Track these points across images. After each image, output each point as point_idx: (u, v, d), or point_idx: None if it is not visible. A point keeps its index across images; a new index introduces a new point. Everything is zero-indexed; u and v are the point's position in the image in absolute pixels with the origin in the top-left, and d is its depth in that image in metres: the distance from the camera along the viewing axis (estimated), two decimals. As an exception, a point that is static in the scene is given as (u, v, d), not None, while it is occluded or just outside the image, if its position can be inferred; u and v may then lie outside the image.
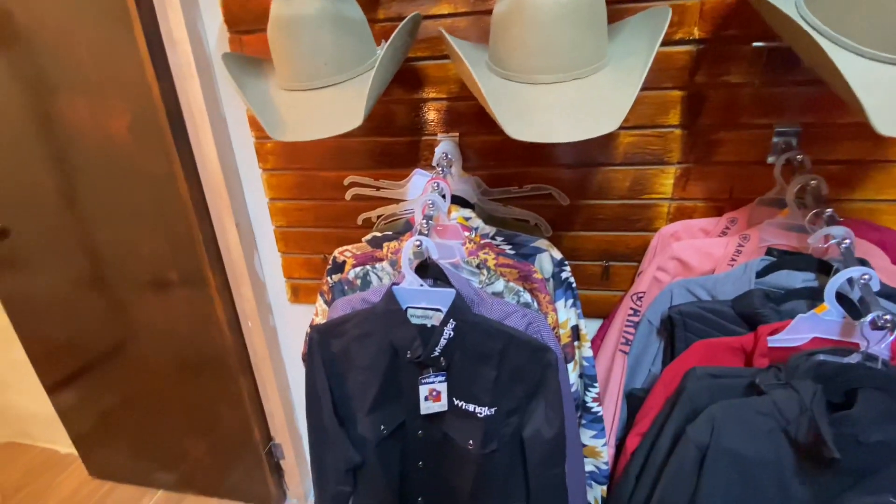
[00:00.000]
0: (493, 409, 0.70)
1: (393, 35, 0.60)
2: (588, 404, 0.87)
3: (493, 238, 0.85)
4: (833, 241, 0.66)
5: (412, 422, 0.76)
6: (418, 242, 0.63)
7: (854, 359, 0.62)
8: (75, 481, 1.58)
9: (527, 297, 0.73)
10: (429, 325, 0.70)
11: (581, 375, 0.88)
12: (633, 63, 0.51)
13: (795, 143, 0.81)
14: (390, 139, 0.93)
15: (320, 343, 0.74)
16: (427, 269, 0.71)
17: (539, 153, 0.89)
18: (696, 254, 0.82)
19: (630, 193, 0.89)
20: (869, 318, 0.58)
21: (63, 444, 1.62)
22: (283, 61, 0.62)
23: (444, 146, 0.86)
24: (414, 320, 0.70)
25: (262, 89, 0.66)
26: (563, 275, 0.83)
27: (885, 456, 0.57)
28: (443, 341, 0.67)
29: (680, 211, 0.89)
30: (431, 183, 0.75)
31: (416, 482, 0.80)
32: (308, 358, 0.75)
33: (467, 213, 0.85)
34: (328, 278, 0.87)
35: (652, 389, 0.83)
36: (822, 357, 0.64)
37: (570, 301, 0.84)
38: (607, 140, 0.85)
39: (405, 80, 0.88)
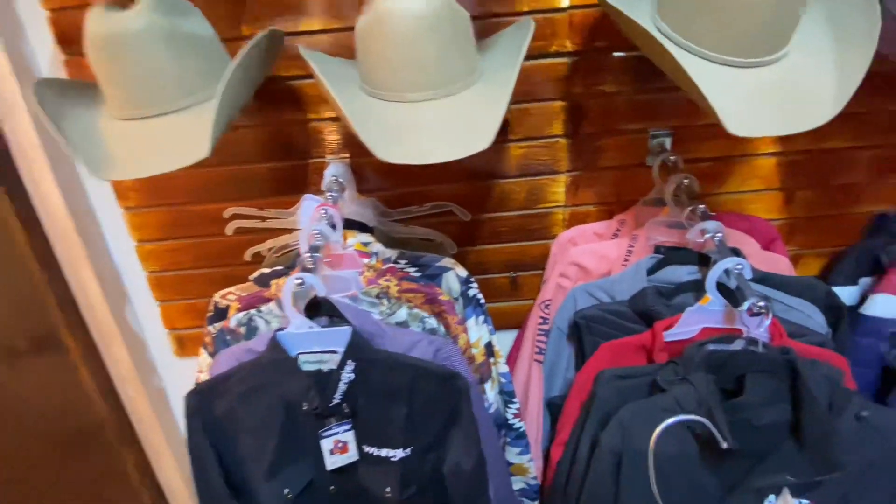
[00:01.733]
0: (408, 450, 0.65)
1: (240, 53, 0.53)
2: (510, 421, 0.85)
3: (395, 261, 0.80)
4: (708, 236, 0.71)
5: (321, 479, 0.68)
6: (299, 280, 0.57)
7: (738, 345, 0.66)
8: None
9: (433, 322, 0.69)
10: (325, 370, 0.63)
11: (500, 392, 0.85)
12: (504, 77, 0.50)
13: (669, 145, 0.86)
14: (275, 165, 0.86)
15: (200, 408, 0.64)
16: (321, 307, 0.65)
17: (435, 170, 0.86)
18: (592, 257, 0.84)
19: (527, 204, 0.89)
20: (745, 305, 0.62)
21: None
22: (111, 86, 0.53)
23: (334, 169, 0.80)
24: (307, 367, 0.63)
25: (89, 120, 0.55)
26: (471, 292, 0.81)
27: (778, 435, 0.60)
28: (342, 386, 0.61)
29: (574, 217, 0.91)
30: (319, 210, 0.69)
31: None
32: (187, 426, 0.64)
33: (366, 237, 0.80)
34: (210, 328, 0.76)
35: (568, 396, 0.83)
36: (711, 347, 0.67)
37: (481, 318, 0.82)
38: (500, 154, 0.85)
39: (286, 100, 0.82)
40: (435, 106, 0.50)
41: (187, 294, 0.94)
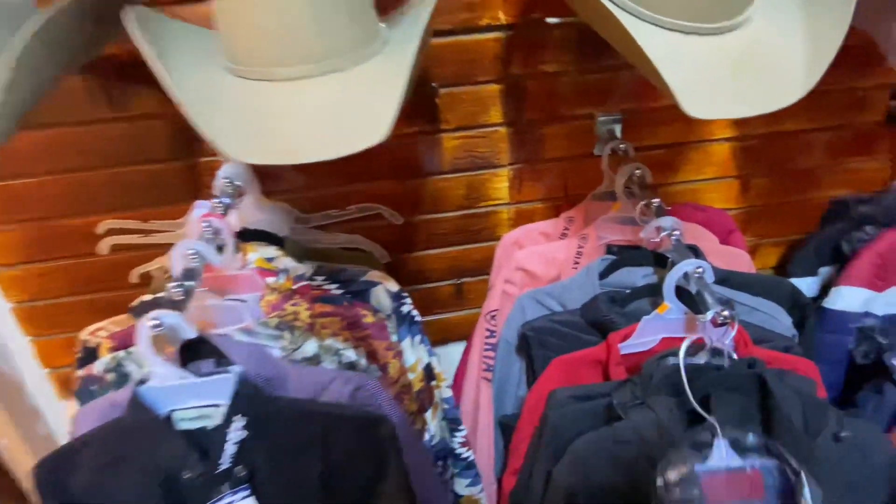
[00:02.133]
0: None
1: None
2: (457, 451, 0.76)
3: (311, 278, 0.68)
4: (664, 234, 0.62)
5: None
6: (155, 322, 0.43)
7: (701, 358, 0.58)
8: None
9: (351, 354, 0.58)
10: (210, 427, 0.51)
11: (444, 419, 0.75)
12: (403, 52, 0.39)
13: (619, 132, 0.78)
14: (156, 167, 0.71)
15: (51, 485, 0.49)
16: (204, 345, 0.52)
17: (359, 167, 0.74)
18: (539, 261, 0.74)
19: (467, 202, 0.79)
20: (708, 316, 0.53)
21: None
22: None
23: (228, 170, 0.66)
24: (185, 425, 0.50)
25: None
26: (404, 309, 0.70)
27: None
28: (231, 446, 0.49)
29: (520, 215, 0.81)
30: (200, 223, 0.55)
31: None
32: (38, 507, 0.50)
33: (271, 251, 0.67)
34: (79, 371, 0.61)
35: (519, 419, 0.74)
36: (671, 361, 0.59)
37: (417, 338, 0.71)
38: (432, 146, 0.74)
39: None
40: (314, 86, 0.37)
41: (65, 327, 0.78)
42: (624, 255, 0.71)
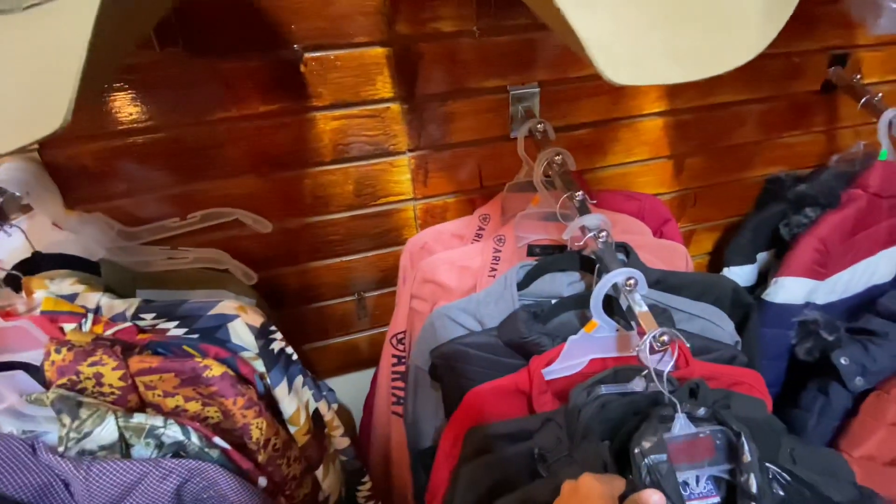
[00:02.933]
0: None
1: None
2: (361, 506, 0.62)
3: (137, 317, 0.50)
4: (590, 235, 0.51)
5: None
6: None
7: (638, 386, 0.48)
8: None
9: (174, 431, 0.42)
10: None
11: (343, 471, 0.61)
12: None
13: (537, 108, 0.65)
14: None
15: None
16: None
17: (205, 159, 0.56)
18: (450, 270, 0.61)
19: (359, 200, 0.63)
20: (644, 343, 0.42)
21: None
22: None
23: (6, 173, 0.46)
24: None
25: None
26: (274, 346, 0.54)
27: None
28: None
29: (429, 212, 0.67)
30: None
31: None
32: None
33: (67, 286, 0.48)
34: None
35: (434, 462, 0.62)
36: (603, 390, 0.49)
37: (299, 379, 0.56)
38: (301, 129, 0.57)
39: None
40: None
41: None
42: (546, 259, 0.59)
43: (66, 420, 0.38)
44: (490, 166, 0.66)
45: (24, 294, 0.47)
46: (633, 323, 0.49)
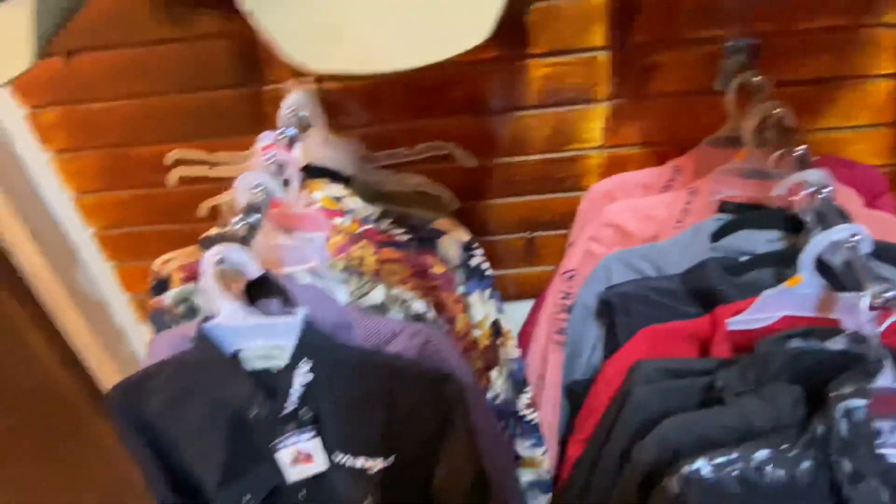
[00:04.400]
0: (389, 460, 0.52)
1: None
2: (521, 413, 0.71)
3: (378, 221, 0.63)
4: (808, 191, 0.50)
5: (288, 485, 0.56)
6: (219, 258, 0.40)
7: (838, 344, 0.48)
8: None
9: (419, 305, 0.53)
10: (275, 371, 0.49)
11: (509, 379, 0.71)
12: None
13: (751, 62, 0.63)
14: (221, 93, 0.67)
15: (123, 408, 0.51)
16: (270, 284, 0.49)
17: (433, 99, 0.66)
18: (634, 217, 0.64)
19: (551, 145, 0.69)
20: (867, 297, 0.42)
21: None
22: None
23: (294, 100, 0.61)
24: (252, 364, 0.48)
25: None
26: (474, 261, 0.64)
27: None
28: (297, 389, 0.47)
29: (613, 162, 0.70)
30: (263, 155, 0.51)
31: None
32: (116, 428, 0.52)
33: (337, 190, 0.62)
34: (151, 300, 0.62)
35: (592, 387, 0.68)
36: (796, 343, 0.49)
37: (487, 292, 0.65)
38: (516, 75, 0.63)
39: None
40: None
41: (142, 255, 0.80)
42: (745, 214, 0.59)
43: (354, 282, 0.52)
44: (685, 120, 0.67)
45: (305, 192, 0.62)
46: (845, 284, 0.48)
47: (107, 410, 0.51)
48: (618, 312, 0.63)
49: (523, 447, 0.74)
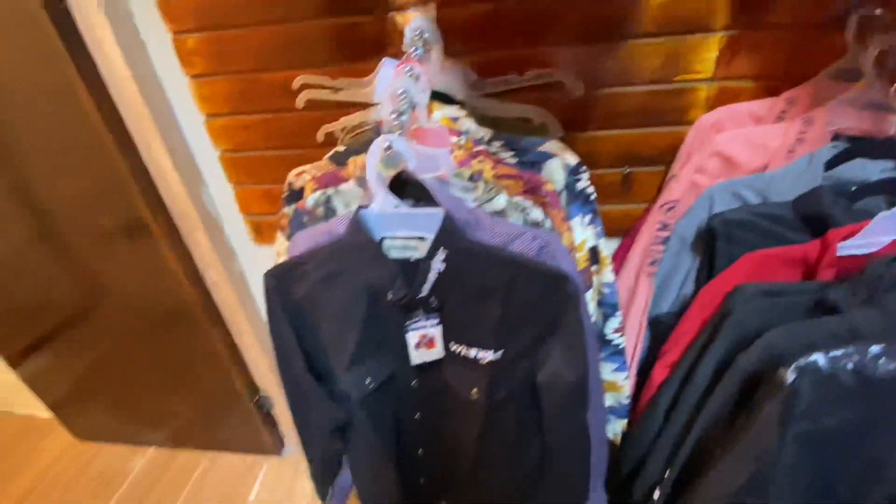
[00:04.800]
0: (499, 353, 0.57)
1: None
2: (608, 336, 0.75)
3: (488, 143, 0.67)
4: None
5: (404, 371, 0.63)
6: (387, 144, 0.46)
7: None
8: (60, 445, 1.51)
9: (537, 213, 0.57)
10: (412, 259, 0.54)
11: (600, 304, 0.74)
12: None
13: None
14: (343, 19, 0.71)
15: (278, 289, 0.58)
16: (405, 188, 0.54)
17: (544, 27, 0.69)
18: (745, 147, 0.65)
19: (661, 75, 0.70)
20: None
21: (43, 409, 1.53)
22: None
23: (418, 23, 0.65)
24: (393, 253, 0.54)
25: None
26: (580, 185, 0.67)
27: None
28: (432, 277, 0.52)
29: (722, 94, 0.71)
30: (402, 67, 0.56)
31: (415, 435, 0.70)
32: (267, 309, 0.60)
33: (453, 111, 0.66)
34: (285, 209, 0.69)
35: (685, 313, 0.70)
36: (911, 265, 0.50)
37: (589, 217, 0.69)
38: (633, 2, 0.65)
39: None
40: None
41: (261, 178, 0.88)
42: (859, 144, 0.59)
43: (481, 188, 0.56)
44: (802, 52, 0.66)
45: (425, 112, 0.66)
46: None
47: (264, 290, 0.59)
48: (720, 239, 0.65)
49: (607, 371, 0.78)
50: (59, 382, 1.37)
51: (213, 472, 1.35)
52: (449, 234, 0.51)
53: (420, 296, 0.53)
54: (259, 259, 1.03)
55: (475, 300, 0.55)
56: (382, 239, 0.54)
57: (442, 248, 0.51)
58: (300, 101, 0.74)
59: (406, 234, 0.53)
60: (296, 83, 0.75)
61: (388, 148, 0.46)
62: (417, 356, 0.58)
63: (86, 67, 0.76)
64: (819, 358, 0.46)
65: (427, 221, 0.51)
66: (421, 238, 0.54)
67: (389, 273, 0.53)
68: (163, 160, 0.84)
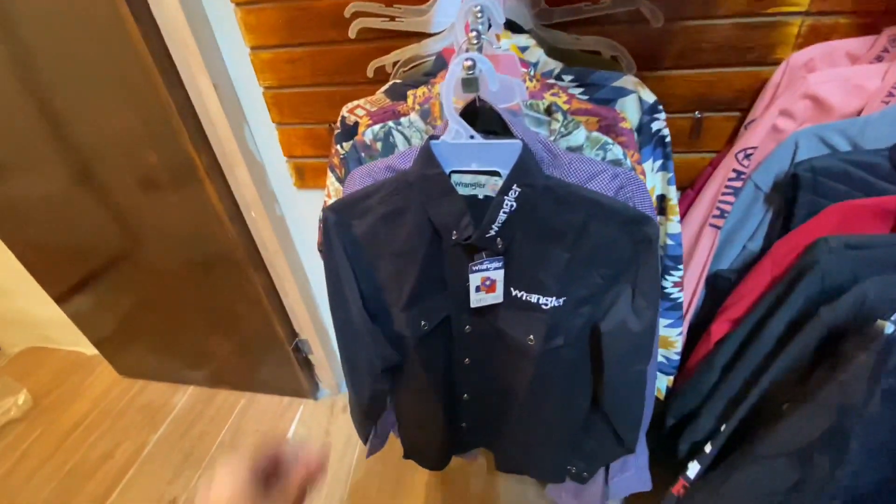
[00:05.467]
0: (561, 300, 0.55)
1: None
2: (667, 290, 0.73)
3: (558, 77, 0.63)
4: None
5: (459, 315, 0.62)
6: (469, 62, 0.42)
7: None
8: (105, 381, 1.58)
9: (617, 151, 0.54)
10: (481, 197, 0.52)
11: (663, 256, 0.71)
12: None
13: None
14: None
15: (338, 225, 0.57)
16: (474, 121, 0.51)
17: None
18: (840, 88, 0.59)
19: (750, 7, 0.63)
20: None
21: (88, 347, 1.60)
22: None
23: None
24: (460, 191, 0.52)
25: None
26: (655, 125, 0.62)
27: None
28: (502, 216, 0.50)
29: (814, 32, 0.64)
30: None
31: (462, 379, 0.70)
32: (325, 244, 0.58)
33: (523, 40, 0.62)
34: (338, 146, 0.67)
35: (754, 268, 0.67)
36: None
37: (660, 162, 0.65)
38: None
39: None
40: None
41: (305, 117, 0.85)
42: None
43: (559, 118, 0.53)
44: (918, -19, 0.59)
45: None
46: None
47: (321, 226, 0.57)
48: (804, 189, 0.60)
49: (662, 325, 0.76)
50: (104, 320, 1.42)
51: (252, 411, 1.41)
52: (524, 170, 0.48)
53: (488, 235, 0.51)
54: (300, 204, 1.01)
55: (544, 242, 0.52)
56: (451, 173, 0.51)
57: (515, 185, 0.48)
58: (353, 30, 0.70)
59: (479, 167, 0.50)
60: (348, 10, 0.70)
61: (471, 67, 0.42)
62: (476, 299, 0.56)
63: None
64: (924, 309, 0.43)
65: (503, 154, 0.48)
66: (492, 174, 0.51)
67: (457, 210, 0.51)
68: (208, 96, 0.81)
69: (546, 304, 0.55)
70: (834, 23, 0.63)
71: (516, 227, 0.51)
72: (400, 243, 0.56)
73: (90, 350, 1.63)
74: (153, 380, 1.56)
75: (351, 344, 0.67)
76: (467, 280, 0.54)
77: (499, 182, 0.50)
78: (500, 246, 0.52)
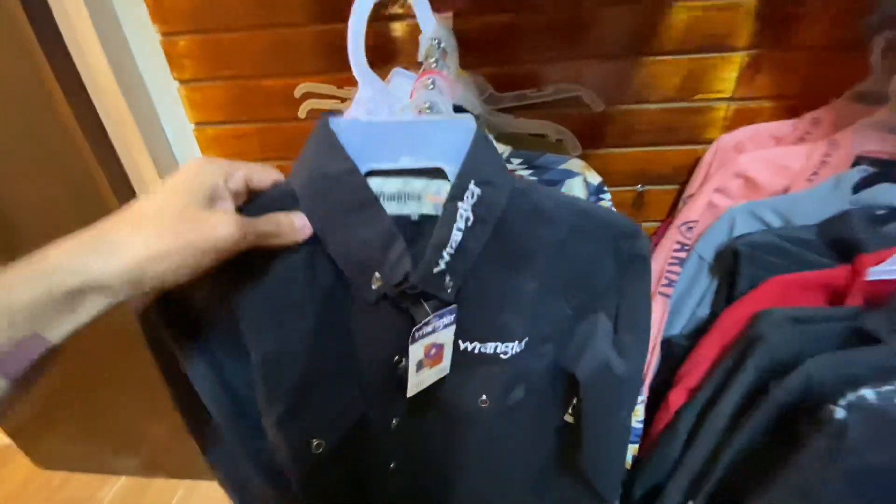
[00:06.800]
0: (524, 342, 0.41)
1: None
2: (625, 360, 0.72)
3: (507, 160, 0.64)
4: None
5: (383, 409, 0.43)
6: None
7: None
8: (21, 474, 1.38)
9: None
10: (414, 218, 0.36)
11: (617, 327, 0.71)
12: None
13: (900, 15, 0.61)
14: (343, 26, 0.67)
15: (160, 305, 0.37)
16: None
17: (565, 41, 0.66)
18: (767, 168, 0.64)
19: (680, 93, 0.68)
20: None
21: (0, 436, 1.40)
22: None
23: (436, 31, 0.61)
24: (386, 206, 0.36)
25: None
26: (602, 205, 0.64)
27: None
28: (456, 234, 0.33)
29: (740, 115, 0.70)
30: (423, 79, 0.52)
31: (385, 486, 0.48)
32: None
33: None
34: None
35: (704, 336, 0.69)
36: (950, 292, 0.50)
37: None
38: (659, 16, 0.63)
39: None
40: None
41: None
42: (886, 168, 0.59)
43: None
44: (825, 74, 0.66)
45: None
46: None
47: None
48: (744, 262, 0.63)
49: (622, 395, 0.75)
50: (17, 406, 1.25)
51: (193, 501, 1.26)
52: (482, 161, 0.35)
53: (436, 270, 0.33)
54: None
55: (508, 271, 0.38)
56: (367, 174, 0.34)
57: (473, 183, 0.33)
58: (303, 111, 0.69)
59: (413, 163, 0.34)
60: (298, 91, 0.70)
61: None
62: (416, 383, 0.37)
63: (63, 67, 0.68)
64: (868, 394, 0.44)
65: (450, 138, 0.34)
66: (433, 174, 0.35)
67: (382, 235, 0.33)
68: (145, 169, 0.77)
69: (506, 353, 0.40)
70: (759, 107, 0.69)
71: (473, 255, 0.35)
72: (267, 309, 0.34)
73: (2, 440, 1.43)
74: (77, 471, 1.37)
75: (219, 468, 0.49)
76: (399, 354, 0.37)
77: (443, 189, 0.35)
78: (449, 288, 0.35)
